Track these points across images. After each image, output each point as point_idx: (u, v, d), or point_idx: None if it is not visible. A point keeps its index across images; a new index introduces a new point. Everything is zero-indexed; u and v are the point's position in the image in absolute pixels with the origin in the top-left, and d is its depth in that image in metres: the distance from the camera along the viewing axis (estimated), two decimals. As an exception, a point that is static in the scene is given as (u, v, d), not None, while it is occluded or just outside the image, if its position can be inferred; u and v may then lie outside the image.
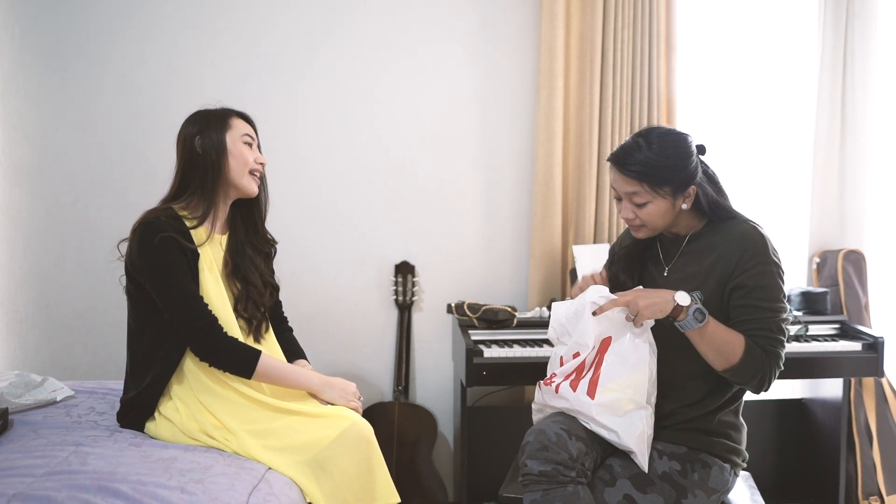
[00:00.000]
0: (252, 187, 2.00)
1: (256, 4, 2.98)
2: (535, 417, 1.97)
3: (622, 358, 1.81)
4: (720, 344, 1.77)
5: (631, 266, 1.98)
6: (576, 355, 1.86)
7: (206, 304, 1.88)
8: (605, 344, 1.83)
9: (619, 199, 1.89)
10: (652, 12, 2.95)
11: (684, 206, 1.85)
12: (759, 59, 3.20)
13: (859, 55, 3.05)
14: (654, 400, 1.84)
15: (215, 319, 1.87)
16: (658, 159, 1.80)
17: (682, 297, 1.76)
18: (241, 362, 1.88)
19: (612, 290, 2.06)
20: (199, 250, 1.92)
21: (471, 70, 3.07)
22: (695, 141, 1.88)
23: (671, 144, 1.82)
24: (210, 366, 1.88)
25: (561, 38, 2.93)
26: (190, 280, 1.88)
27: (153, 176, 2.95)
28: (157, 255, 1.85)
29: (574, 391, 1.83)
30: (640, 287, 1.88)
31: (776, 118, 3.22)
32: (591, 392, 1.80)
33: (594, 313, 1.81)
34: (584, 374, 1.84)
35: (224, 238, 2.03)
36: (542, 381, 1.93)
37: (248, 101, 2.96)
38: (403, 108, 3.06)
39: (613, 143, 2.97)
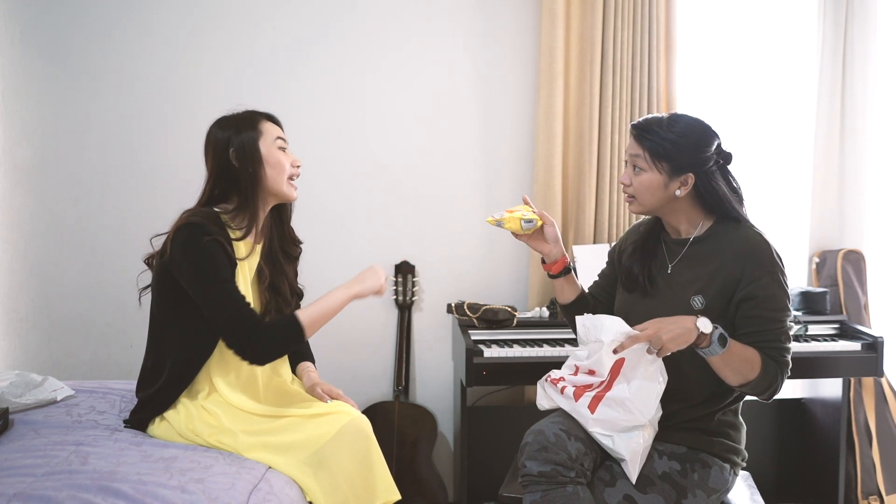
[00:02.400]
0: (293, 194, 1.99)
1: (255, 5, 2.98)
2: (542, 405, 1.96)
3: (630, 385, 1.77)
4: (739, 364, 1.76)
5: (644, 259, 1.98)
6: (591, 372, 1.84)
7: (249, 304, 1.85)
8: (617, 365, 1.79)
9: (626, 164, 1.93)
10: (652, 12, 2.95)
11: (678, 193, 1.86)
12: (759, 59, 3.20)
13: (859, 55, 3.05)
14: (657, 420, 1.81)
15: (252, 317, 1.83)
16: (670, 134, 1.84)
17: (705, 324, 1.72)
18: (288, 340, 1.86)
19: (618, 282, 2.06)
20: (239, 264, 1.89)
21: (471, 70, 3.07)
22: (722, 143, 1.89)
23: (687, 128, 1.86)
24: (263, 364, 1.86)
25: (561, 38, 2.93)
26: (233, 280, 1.85)
27: (154, 175, 2.97)
28: (205, 254, 1.81)
29: (576, 401, 1.83)
30: (659, 318, 1.79)
31: (776, 118, 3.22)
32: (592, 407, 1.80)
33: (615, 351, 1.76)
34: (591, 389, 1.83)
35: (259, 247, 2.01)
36: (547, 378, 1.93)
37: (245, 100, 2.95)
38: (403, 107, 3.06)
39: (613, 143, 2.97)
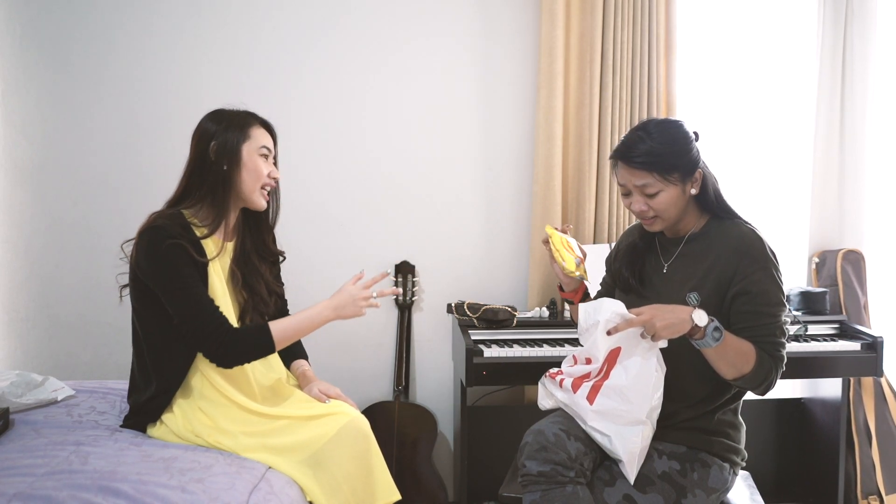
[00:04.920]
0: (260, 202, 1.96)
1: (255, 5, 2.98)
2: (544, 405, 1.96)
3: (628, 373, 1.77)
4: (734, 357, 1.76)
5: (634, 262, 1.99)
6: (588, 361, 1.85)
7: (217, 308, 1.85)
8: (613, 354, 1.79)
9: (626, 195, 1.89)
10: (652, 12, 2.95)
11: (693, 192, 1.86)
12: (758, 59, 3.20)
13: (858, 55, 3.05)
14: (656, 416, 1.81)
15: (223, 322, 1.84)
16: (662, 147, 1.81)
17: (700, 317, 1.72)
18: (257, 346, 1.86)
19: (615, 286, 2.06)
20: (210, 263, 1.89)
21: (471, 70, 3.07)
22: (689, 127, 1.89)
23: (671, 131, 1.85)
24: (230, 368, 1.86)
25: (561, 38, 2.93)
26: (199, 284, 1.84)
27: (154, 176, 2.97)
28: (165, 260, 1.81)
29: (574, 392, 1.83)
30: (656, 305, 1.79)
31: (776, 118, 3.22)
32: (591, 398, 1.80)
33: (609, 332, 1.76)
34: (589, 379, 1.83)
35: (231, 245, 1.99)
36: (547, 374, 1.94)
37: (245, 101, 2.94)
38: (403, 108, 3.06)
39: (613, 144, 2.97)
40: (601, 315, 1.77)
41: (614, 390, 1.78)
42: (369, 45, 3.03)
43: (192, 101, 2.95)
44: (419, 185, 3.09)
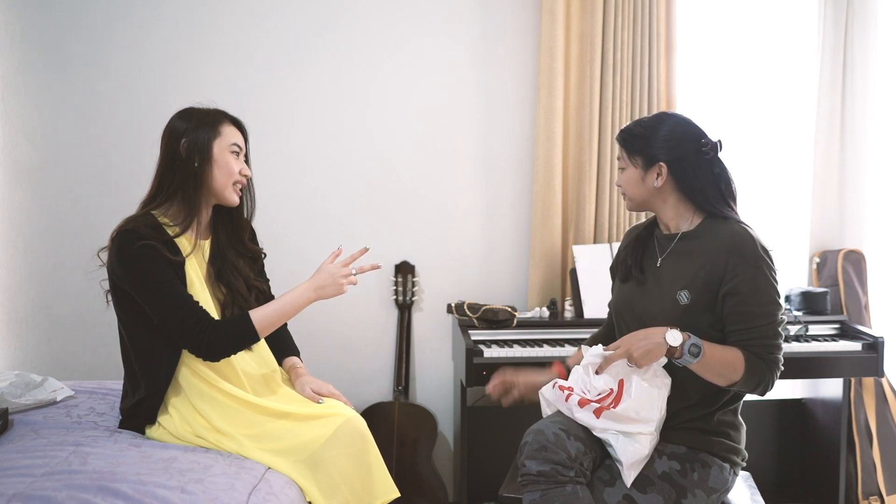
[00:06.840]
0: (233, 199, 1.95)
1: (256, 5, 2.98)
2: (547, 412, 1.97)
3: (632, 399, 1.79)
4: (720, 368, 1.77)
5: (636, 252, 2.00)
6: (600, 399, 1.86)
7: (195, 303, 1.84)
8: (620, 385, 1.83)
9: None
10: (652, 12, 2.95)
11: (656, 184, 1.88)
12: (759, 59, 3.20)
13: (859, 55, 3.05)
14: (661, 426, 1.83)
15: (203, 315, 1.83)
16: (637, 129, 1.92)
17: (674, 338, 1.74)
18: (240, 338, 1.85)
19: (614, 278, 2.06)
20: (186, 262, 1.88)
21: (471, 70, 3.07)
22: (703, 136, 1.88)
23: (659, 122, 1.91)
24: (217, 361, 1.85)
25: (561, 38, 2.93)
26: (175, 281, 1.84)
27: (153, 176, 2.96)
28: (138, 262, 1.81)
29: (581, 408, 1.84)
30: (630, 334, 1.83)
31: (776, 118, 3.22)
32: (598, 414, 1.81)
33: (596, 372, 1.83)
34: (599, 402, 1.83)
35: (206, 243, 1.99)
36: (556, 384, 1.93)
37: (246, 100, 2.97)
38: (403, 107, 3.06)
39: (613, 143, 2.97)
40: (585, 360, 1.86)
41: (621, 416, 1.79)
42: (370, 45, 3.03)
43: (192, 99, 2.93)
44: (419, 184, 3.08)
